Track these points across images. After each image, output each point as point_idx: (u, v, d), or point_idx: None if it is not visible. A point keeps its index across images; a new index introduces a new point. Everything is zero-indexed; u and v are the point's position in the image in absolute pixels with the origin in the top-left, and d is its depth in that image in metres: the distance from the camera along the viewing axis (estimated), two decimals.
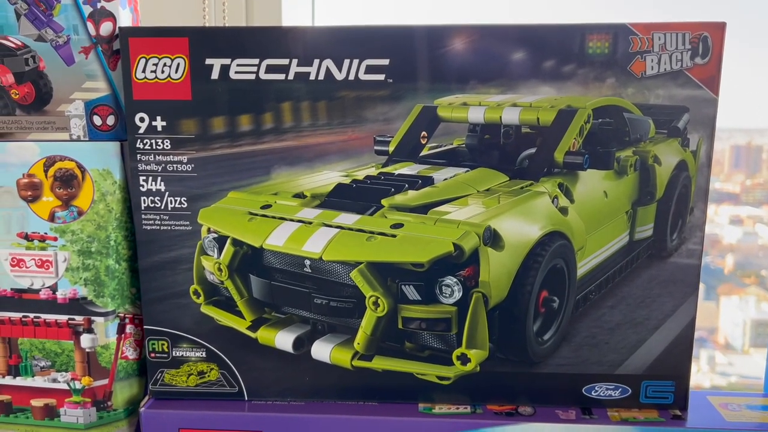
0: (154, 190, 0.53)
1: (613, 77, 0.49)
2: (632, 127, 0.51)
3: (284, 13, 0.75)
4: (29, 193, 0.54)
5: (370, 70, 0.50)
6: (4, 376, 0.57)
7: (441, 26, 0.50)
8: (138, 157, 0.53)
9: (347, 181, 0.53)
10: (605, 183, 0.53)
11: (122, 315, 0.56)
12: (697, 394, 0.56)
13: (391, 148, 0.52)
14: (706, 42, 0.48)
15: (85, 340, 0.56)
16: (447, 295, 0.53)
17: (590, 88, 0.49)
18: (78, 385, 0.57)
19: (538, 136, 0.52)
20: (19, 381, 0.57)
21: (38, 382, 0.57)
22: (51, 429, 0.57)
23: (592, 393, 0.55)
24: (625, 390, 0.54)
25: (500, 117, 0.52)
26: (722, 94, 0.49)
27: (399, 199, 0.52)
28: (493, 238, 0.51)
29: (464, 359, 0.53)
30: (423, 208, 0.52)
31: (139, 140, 0.53)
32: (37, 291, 0.55)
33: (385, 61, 0.50)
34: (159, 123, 0.52)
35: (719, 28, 0.48)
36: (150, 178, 0.53)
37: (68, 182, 0.53)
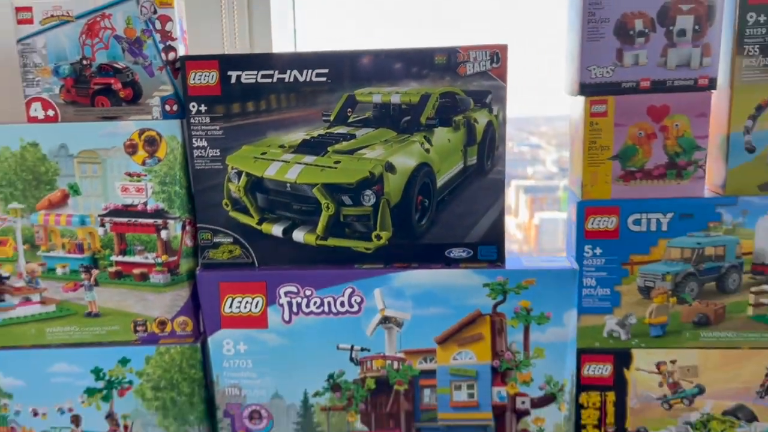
0: (201, 145, 0.94)
1: (449, 76, 0.89)
2: (461, 103, 0.90)
3: (274, 42, 1.16)
4: (130, 150, 0.94)
5: (318, 75, 0.90)
6: (117, 255, 0.98)
7: (356, 50, 0.89)
8: (191, 128, 0.94)
9: (308, 137, 0.93)
10: (449, 134, 0.92)
11: (184, 219, 0.97)
12: (512, 255, 0.96)
13: (331, 118, 0.92)
14: (497, 55, 0.88)
15: (164, 233, 0.97)
16: (367, 201, 0.93)
17: (437, 82, 0.89)
18: (159, 260, 0.98)
19: (412, 109, 0.92)
20: (127, 258, 0.98)
21: (137, 258, 0.97)
22: (145, 286, 0.98)
23: (451, 254, 0.95)
24: (469, 251, 0.95)
25: (390, 99, 0.92)
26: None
27: (337, 146, 0.93)
28: (390, 168, 0.92)
29: (378, 237, 0.94)
30: (351, 152, 0.93)
31: (191, 118, 0.93)
32: (136, 205, 0.96)
33: (326, 70, 0.90)
34: (203, 108, 0.93)
35: (504, 47, 0.88)
36: (198, 139, 0.94)
37: (152, 143, 0.94)
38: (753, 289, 0.91)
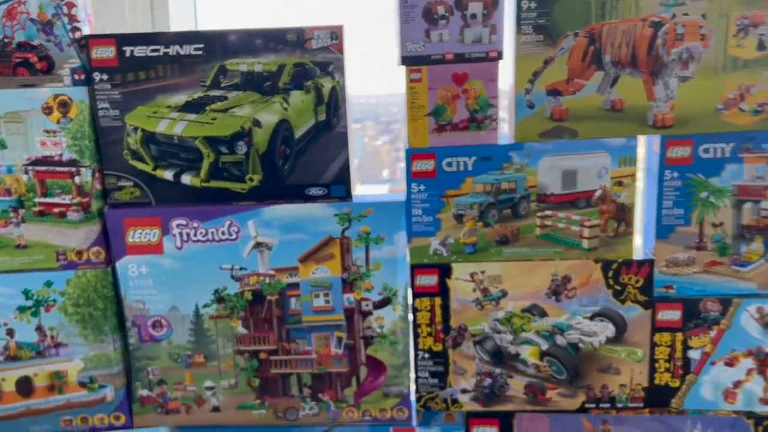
0: (104, 107, 1.16)
1: (299, 50, 1.13)
2: (310, 71, 1.14)
3: (172, 20, 1.39)
4: (47, 111, 1.16)
5: (196, 49, 1.13)
6: (39, 197, 1.20)
7: (225, 30, 1.13)
8: (96, 93, 1.16)
9: (190, 99, 1.16)
10: (302, 96, 1.16)
11: (93, 167, 1.19)
12: (357, 194, 1.21)
13: (207, 84, 1.15)
14: (335, 33, 1.12)
15: (77, 179, 1.19)
16: (240, 150, 1.17)
17: (291, 55, 1.13)
18: (75, 201, 1.20)
19: (271, 76, 1.16)
20: (48, 200, 1.19)
21: (56, 200, 1.19)
22: (63, 222, 1.20)
23: (309, 192, 1.20)
24: (324, 190, 1.19)
25: (254, 68, 1.15)
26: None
27: (213, 106, 1.16)
28: (257, 124, 1.16)
29: (251, 180, 1.18)
30: (225, 110, 1.16)
31: (96, 85, 1.15)
32: (54, 157, 1.18)
33: (202, 45, 1.13)
34: (105, 77, 1.15)
35: (341, 28, 1.12)
36: (102, 101, 1.16)
37: (65, 105, 1.16)
38: (539, 214, 1.18)
